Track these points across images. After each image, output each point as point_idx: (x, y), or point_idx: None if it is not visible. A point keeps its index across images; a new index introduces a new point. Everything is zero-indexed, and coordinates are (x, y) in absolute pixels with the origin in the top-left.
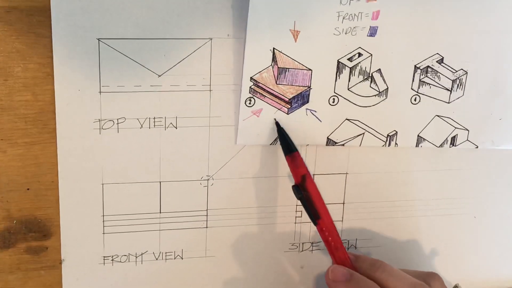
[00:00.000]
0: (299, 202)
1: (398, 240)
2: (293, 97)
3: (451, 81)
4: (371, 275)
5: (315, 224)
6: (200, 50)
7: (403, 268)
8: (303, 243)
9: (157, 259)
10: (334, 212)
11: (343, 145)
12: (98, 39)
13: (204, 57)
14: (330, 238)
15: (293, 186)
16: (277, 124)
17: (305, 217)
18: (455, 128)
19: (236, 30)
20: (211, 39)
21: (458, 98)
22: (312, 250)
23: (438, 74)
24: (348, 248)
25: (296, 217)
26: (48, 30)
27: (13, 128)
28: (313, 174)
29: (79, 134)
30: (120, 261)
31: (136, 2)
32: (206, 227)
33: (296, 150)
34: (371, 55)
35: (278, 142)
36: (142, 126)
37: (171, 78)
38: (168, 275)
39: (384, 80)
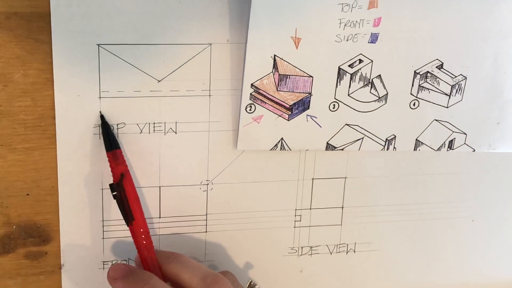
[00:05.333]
0: (298, 207)
1: (397, 243)
2: (294, 104)
3: (450, 86)
4: (166, 267)
5: (128, 225)
6: (199, 56)
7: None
8: (302, 247)
9: None
10: (333, 216)
11: (342, 149)
12: (98, 45)
13: (204, 63)
14: (142, 239)
15: (110, 185)
16: (102, 117)
17: (304, 221)
18: (453, 132)
19: (235, 35)
20: (210, 44)
21: (457, 102)
22: (311, 254)
23: (438, 79)
24: (347, 252)
25: (295, 221)
26: (48, 36)
27: (13, 133)
28: (312, 179)
29: (78, 139)
30: None
31: (136, 7)
32: (206, 232)
33: (119, 147)
34: (372, 61)
35: (279, 148)
36: (141, 131)
37: (170, 83)
38: None
39: (384, 85)
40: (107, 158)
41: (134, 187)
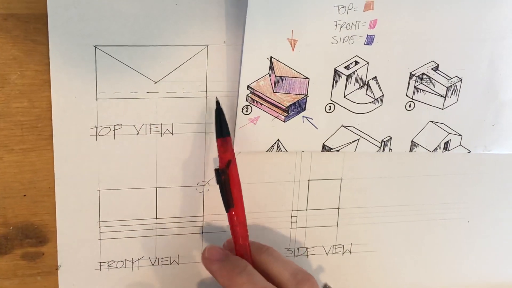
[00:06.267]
0: (294, 208)
1: (393, 244)
2: (290, 105)
3: (446, 88)
4: (258, 258)
5: (227, 211)
6: (196, 57)
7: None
8: (298, 248)
9: (153, 264)
10: (329, 217)
11: (338, 151)
12: (95, 46)
13: (200, 64)
14: (238, 228)
15: (215, 169)
16: (217, 103)
17: (301, 222)
18: (449, 133)
19: (232, 37)
20: (207, 46)
21: (452, 104)
22: (307, 255)
23: (433, 81)
24: (343, 253)
25: (291, 222)
26: (45, 37)
27: (10, 134)
28: (308, 180)
29: (75, 141)
30: (117, 267)
31: (133, 9)
32: (202, 233)
33: (229, 134)
34: (368, 63)
35: (275, 149)
36: (138, 132)
37: (167, 84)
38: (164, 280)
39: (379, 87)
40: (216, 144)
41: (238, 175)
